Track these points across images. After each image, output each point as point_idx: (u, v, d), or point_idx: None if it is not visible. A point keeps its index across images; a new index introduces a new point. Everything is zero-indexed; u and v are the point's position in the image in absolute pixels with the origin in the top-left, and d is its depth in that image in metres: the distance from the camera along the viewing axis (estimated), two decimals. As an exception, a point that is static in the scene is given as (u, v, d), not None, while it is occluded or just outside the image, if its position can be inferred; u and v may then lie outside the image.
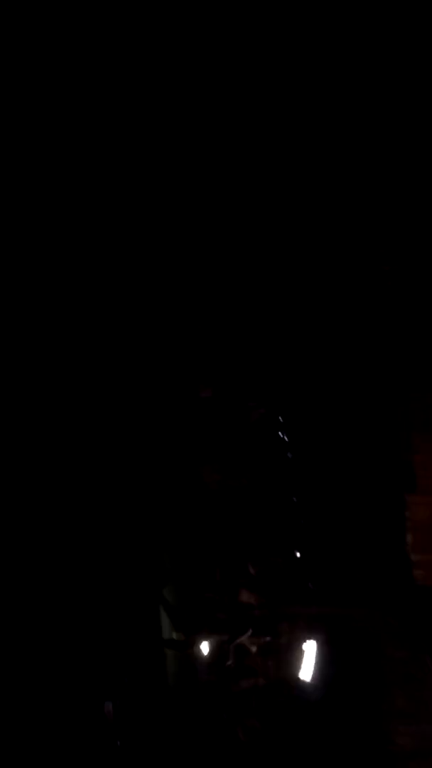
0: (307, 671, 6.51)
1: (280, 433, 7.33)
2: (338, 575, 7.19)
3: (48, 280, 6.14)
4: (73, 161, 6.15)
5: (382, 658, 6.66)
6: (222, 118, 6.23)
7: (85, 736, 5.29)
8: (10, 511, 5.59)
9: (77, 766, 5.18)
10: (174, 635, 6.68)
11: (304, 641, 6.60)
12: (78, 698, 5.42)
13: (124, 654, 6.09)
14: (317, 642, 6.56)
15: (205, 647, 6.63)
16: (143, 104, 6.16)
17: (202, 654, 6.65)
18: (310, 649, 6.52)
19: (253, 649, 6.73)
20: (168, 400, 7.27)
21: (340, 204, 6.66)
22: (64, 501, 5.91)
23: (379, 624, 6.71)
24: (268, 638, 6.74)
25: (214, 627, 6.67)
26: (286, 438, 7.42)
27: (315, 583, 7.07)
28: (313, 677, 6.50)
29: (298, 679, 6.56)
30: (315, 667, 6.47)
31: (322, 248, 6.92)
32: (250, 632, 6.68)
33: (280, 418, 7.36)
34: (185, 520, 7.18)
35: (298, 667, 6.57)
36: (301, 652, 6.56)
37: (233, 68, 5.99)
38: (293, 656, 6.63)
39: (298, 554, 7.06)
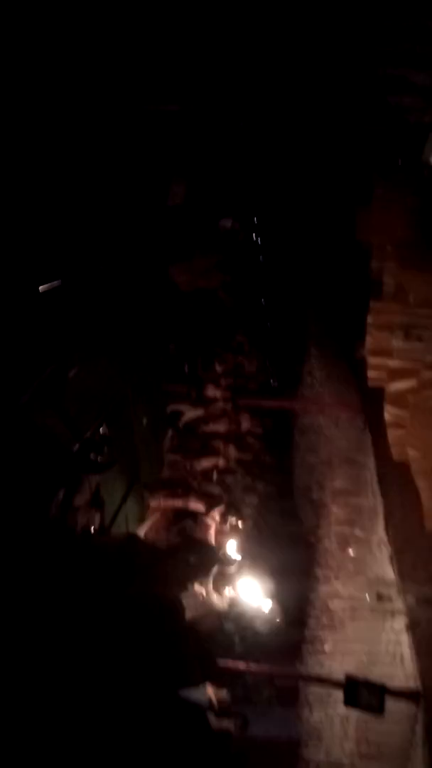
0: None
1: (253, 236, 7.48)
2: (296, 375, 7.82)
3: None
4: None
5: (329, 444, 7.49)
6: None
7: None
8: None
9: None
10: None
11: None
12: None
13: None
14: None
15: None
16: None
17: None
18: None
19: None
20: (139, 205, 7.20)
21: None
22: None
23: (327, 415, 7.48)
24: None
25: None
26: (258, 241, 7.61)
27: (276, 380, 7.67)
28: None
29: None
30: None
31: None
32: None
33: (255, 220, 7.47)
34: (156, 318, 7.43)
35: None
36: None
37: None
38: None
39: (262, 355, 7.57)
